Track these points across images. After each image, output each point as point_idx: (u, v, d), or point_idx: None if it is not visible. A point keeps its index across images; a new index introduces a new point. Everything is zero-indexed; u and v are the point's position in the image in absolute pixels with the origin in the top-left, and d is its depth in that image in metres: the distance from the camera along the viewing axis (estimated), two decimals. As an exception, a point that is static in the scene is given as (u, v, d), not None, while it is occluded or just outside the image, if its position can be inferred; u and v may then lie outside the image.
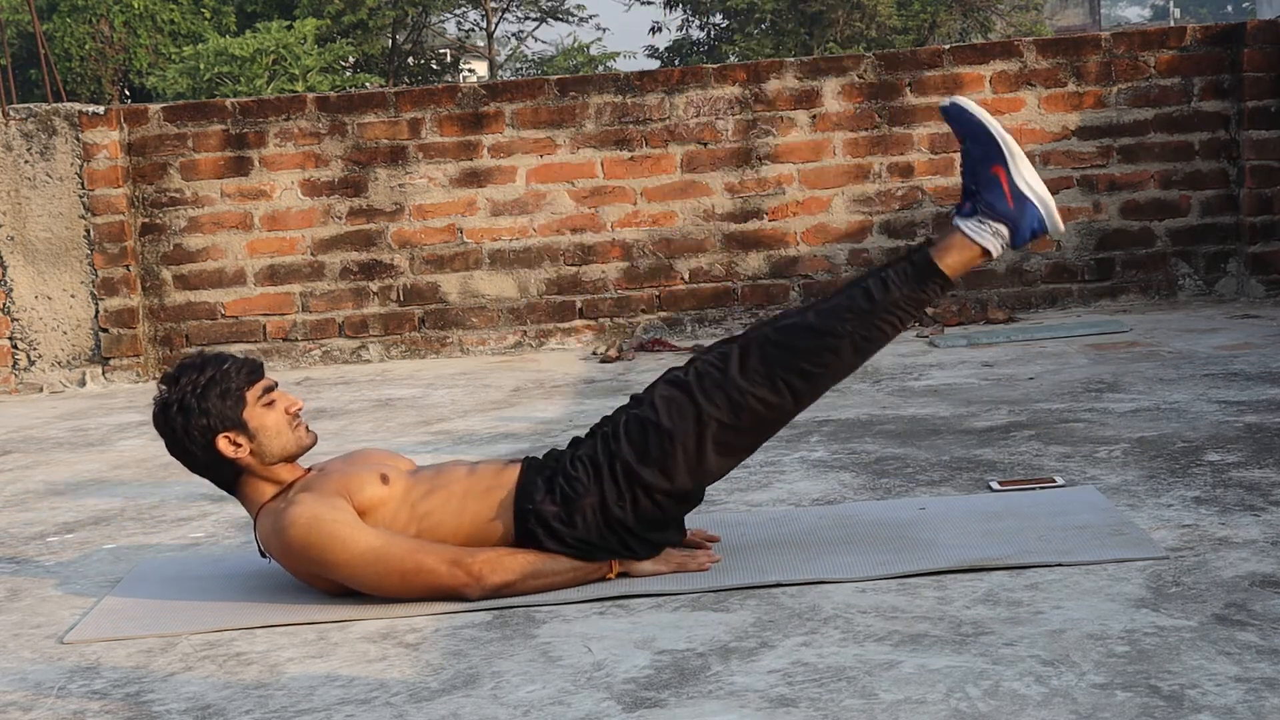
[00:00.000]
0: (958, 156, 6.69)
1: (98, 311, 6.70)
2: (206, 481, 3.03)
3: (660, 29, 31.95)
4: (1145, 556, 2.81)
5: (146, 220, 6.83)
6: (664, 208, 6.84)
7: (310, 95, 6.87)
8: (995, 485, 3.48)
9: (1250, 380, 4.62)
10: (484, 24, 31.81)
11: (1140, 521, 3.07)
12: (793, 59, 6.86)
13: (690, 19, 30.88)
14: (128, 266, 6.71)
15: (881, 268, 3.00)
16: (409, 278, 6.87)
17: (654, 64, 31.82)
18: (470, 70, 34.97)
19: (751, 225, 6.83)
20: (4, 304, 6.66)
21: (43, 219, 6.63)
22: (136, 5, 25.80)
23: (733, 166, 6.81)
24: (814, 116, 6.79)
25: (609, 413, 3.06)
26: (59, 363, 6.70)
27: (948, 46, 6.86)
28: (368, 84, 24.17)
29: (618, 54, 30.86)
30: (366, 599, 2.86)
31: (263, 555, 3.01)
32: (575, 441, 3.08)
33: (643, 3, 31.54)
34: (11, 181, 6.61)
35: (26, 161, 6.61)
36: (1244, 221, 6.67)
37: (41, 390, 6.68)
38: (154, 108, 6.84)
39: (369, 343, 6.90)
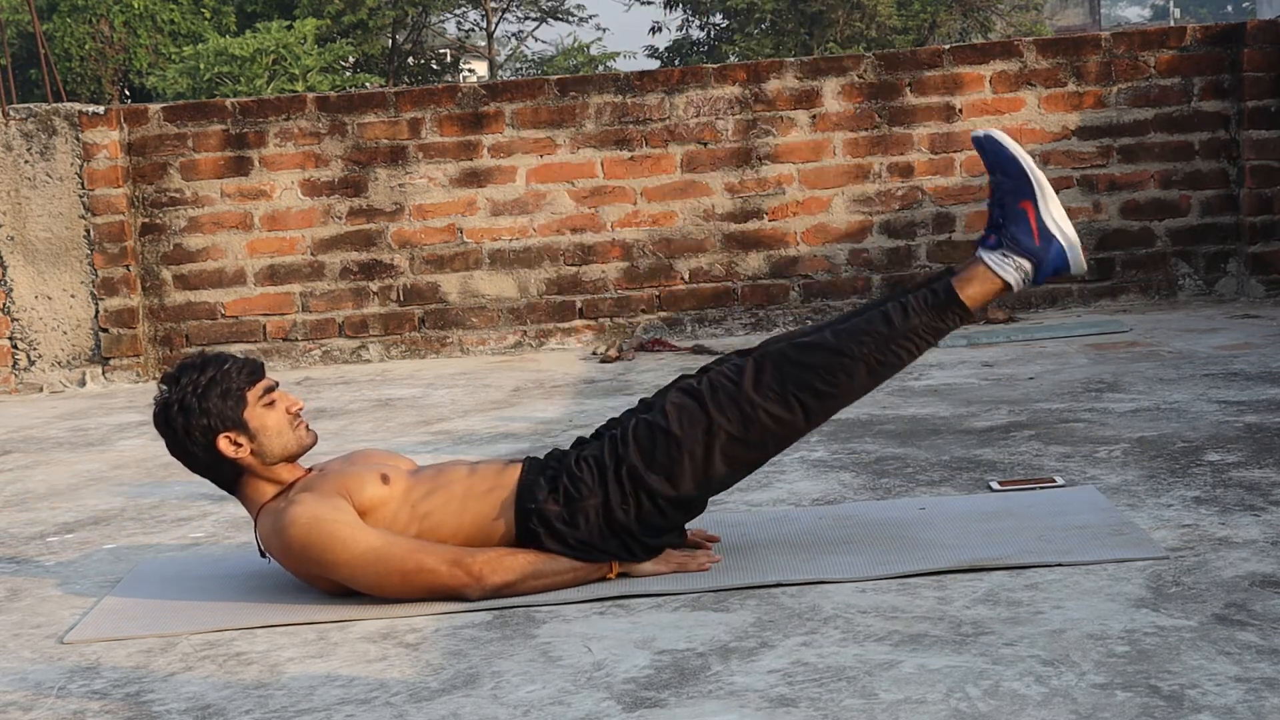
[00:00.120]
0: (958, 156, 6.75)
1: (98, 311, 6.70)
2: (207, 481, 3.03)
3: (660, 29, 31.96)
4: (1145, 556, 2.81)
5: (146, 220, 6.83)
6: (664, 208, 6.84)
7: (310, 95, 6.87)
8: (995, 485, 3.48)
9: (1250, 380, 4.63)
10: (484, 24, 31.82)
11: (1140, 521, 3.07)
12: (793, 59, 6.86)
13: (690, 19, 30.88)
14: (128, 266, 6.71)
15: (902, 292, 3.01)
16: (409, 278, 6.87)
17: (654, 64, 31.83)
18: (470, 70, 34.97)
19: (751, 225, 6.83)
20: (4, 304, 6.66)
21: (43, 219, 6.63)
22: (136, 5, 25.80)
23: (733, 166, 6.81)
24: (814, 116, 6.79)
25: (610, 413, 3.06)
26: (59, 363, 6.70)
27: (948, 46, 6.86)
28: (368, 84, 24.17)
29: (618, 54, 30.87)
30: (366, 599, 2.86)
31: (263, 555, 3.01)
32: (580, 442, 3.08)
33: (643, 3, 31.56)
34: (11, 181, 6.61)
35: (26, 161, 6.61)
36: (1244, 221, 6.67)
37: (41, 390, 6.68)
38: (154, 108, 6.84)
39: (369, 343, 6.90)
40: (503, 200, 6.84)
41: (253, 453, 2.94)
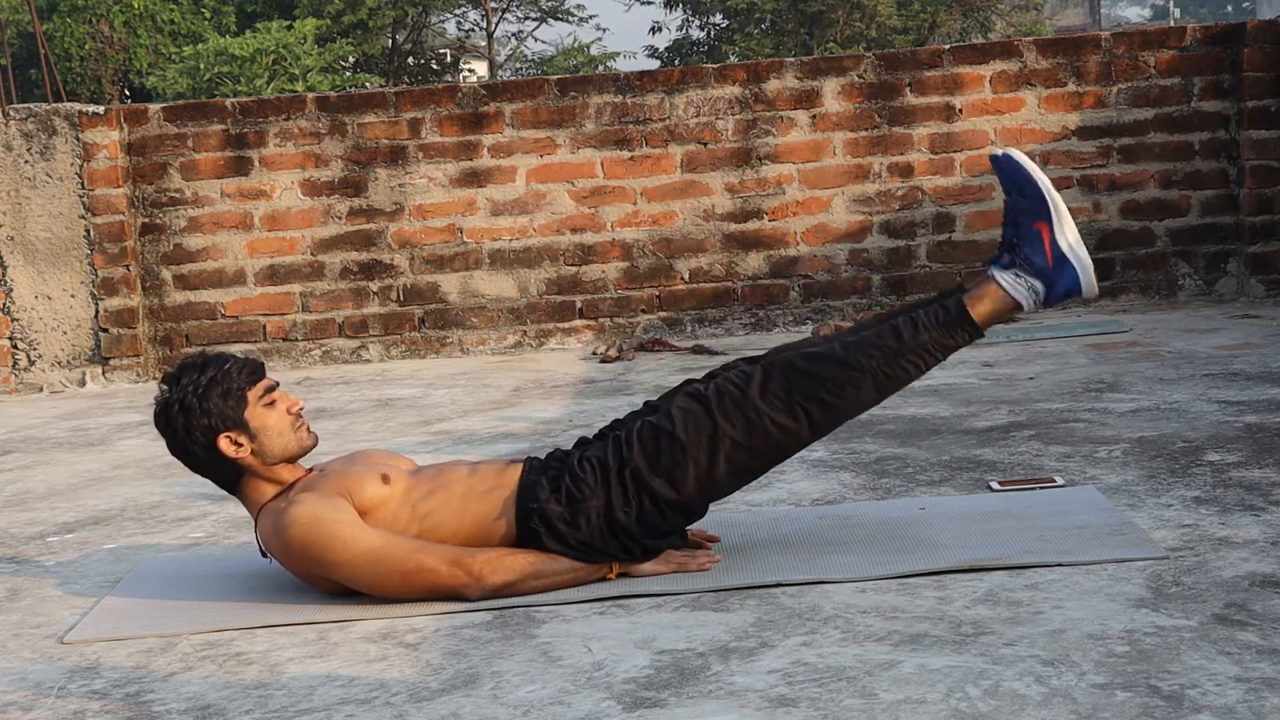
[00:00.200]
0: (958, 156, 6.75)
1: (98, 311, 6.70)
2: (207, 481, 3.03)
3: (660, 29, 31.96)
4: (1145, 556, 2.81)
5: (146, 220, 6.83)
6: (664, 208, 6.84)
7: (310, 95, 6.87)
8: (995, 485, 3.48)
9: (1250, 380, 4.63)
10: (484, 24, 31.82)
11: (1140, 521, 3.07)
12: (793, 59, 6.86)
13: (690, 19, 30.88)
14: (128, 266, 6.71)
15: (913, 307, 3.01)
16: (409, 278, 6.87)
17: (654, 64, 31.83)
18: (470, 70, 34.98)
19: (751, 225, 6.83)
20: (4, 304, 6.66)
21: (43, 219, 6.63)
22: (136, 5, 25.80)
23: (733, 166, 6.81)
24: (814, 116, 6.79)
25: (610, 413, 3.07)
26: (59, 363, 6.70)
27: (948, 46, 6.86)
28: (368, 84, 24.17)
29: (618, 54, 30.87)
30: (366, 599, 2.86)
31: (263, 555, 3.01)
32: (582, 442, 3.08)
33: (643, 3, 31.57)
34: (11, 181, 6.61)
35: (26, 161, 6.61)
36: (1244, 221, 6.67)
37: (41, 390, 6.68)
38: (154, 108, 6.84)
39: (369, 343, 6.90)
40: (503, 200, 6.84)
41: (253, 453, 2.94)
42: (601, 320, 6.88)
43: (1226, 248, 6.76)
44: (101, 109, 6.70)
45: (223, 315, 6.88)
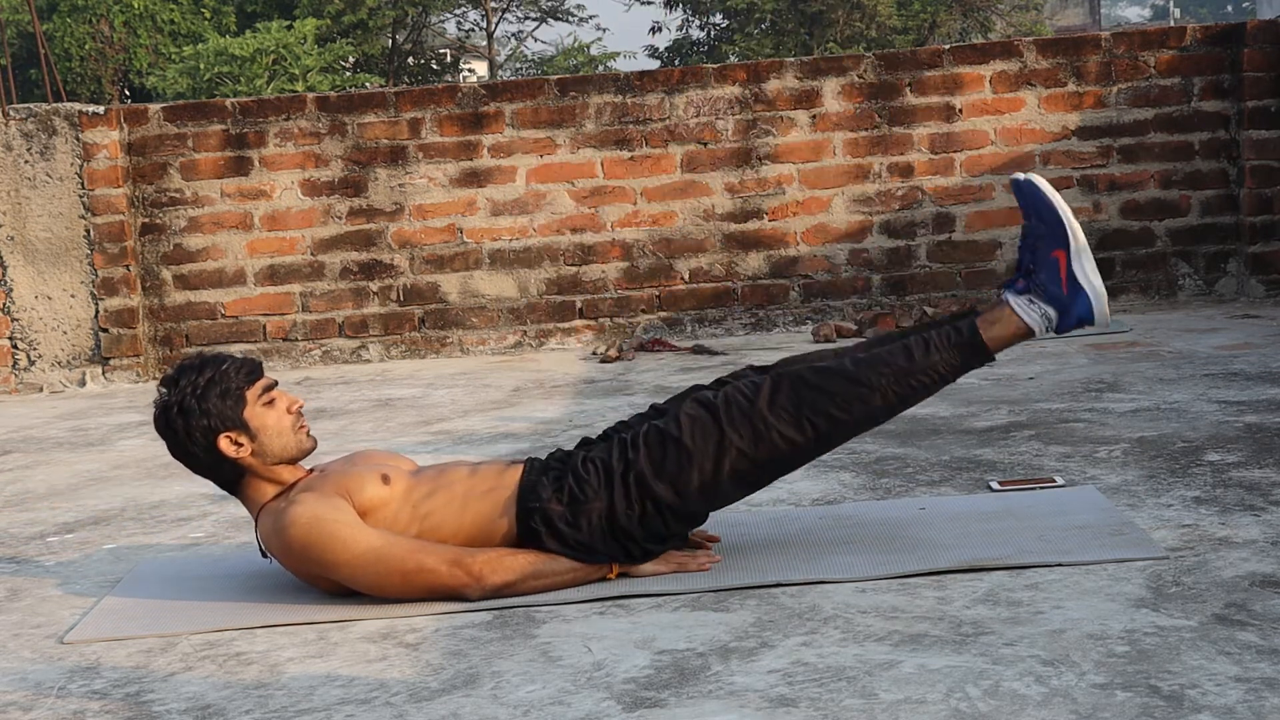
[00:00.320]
0: (958, 156, 6.75)
1: (98, 311, 6.70)
2: (207, 481, 3.03)
3: (660, 29, 31.97)
4: (1145, 556, 2.81)
5: (146, 220, 6.83)
6: (664, 208, 6.84)
7: (310, 95, 6.87)
8: (995, 485, 3.48)
9: (1250, 380, 4.63)
10: (484, 24, 31.83)
11: (1140, 521, 3.07)
12: (793, 59, 6.86)
13: (690, 19, 30.89)
14: (128, 266, 6.71)
15: (925, 327, 3.02)
16: (409, 278, 6.87)
17: (654, 64, 31.83)
18: (470, 70, 34.98)
19: (751, 225, 6.83)
20: (4, 304, 6.66)
21: (43, 219, 6.63)
22: (136, 5, 25.81)
23: (733, 166, 6.81)
24: (814, 116, 6.79)
25: (610, 413, 3.07)
26: (59, 363, 6.70)
27: (948, 46, 6.86)
28: (368, 84, 24.18)
29: (618, 54, 30.88)
30: (366, 599, 2.86)
31: (264, 555, 3.01)
32: (585, 442, 3.08)
33: (643, 3, 31.57)
34: (11, 181, 6.61)
35: (26, 161, 6.61)
36: (1244, 221, 6.67)
37: (41, 390, 6.68)
38: (154, 108, 6.84)
39: (369, 343, 6.90)
40: (503, 200, 6.84)
41: (253, 452, 2.94)
42: (601, 320, 6.88)
43: (1226, 248, 6.76)
44: (101, 109, 6.70)
45: (223, 315, 6.88)
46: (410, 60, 29.80)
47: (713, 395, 2.96)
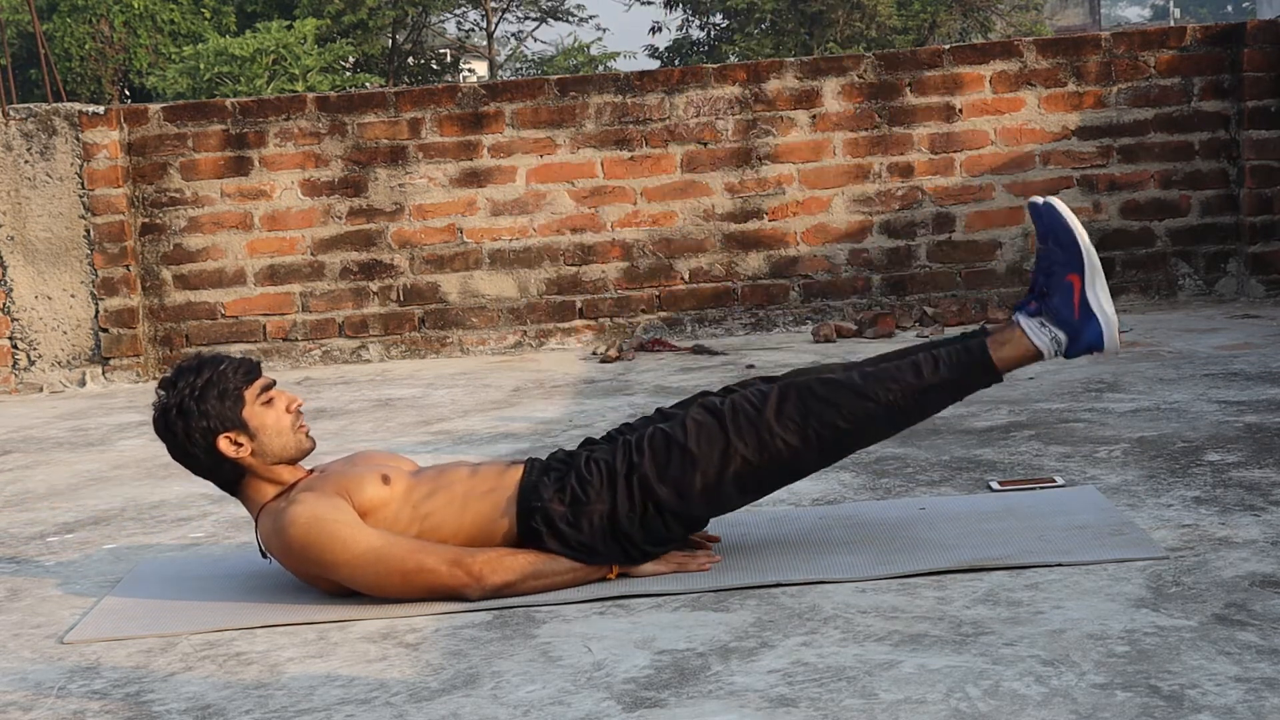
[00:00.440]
0: (958, 156, 6.75)
1: (98, 311, 6.70)
2: (207, 482, 3.03)
3: (660, 29, 31.97)
4: (1145, 556, 2.81)
5: (146, 220, 6.83)
6: (664, 208, 6.84)
7: (310, 95, 6.87)
8: (995, 485, 3.48)
9: (1250, 380, 4.63)
10: (484, 24, 31.83)
11: (1140, 521, 3.07)
12: (793, 59, 6.86)
13: (690, 19, 30.89)
14: (128, 266, 6.71)
15: (935, 344, 3.03)
16: (409, 278, 6.87)
17: (654, 64, 31.83)
18: (470, 70, 34.98)
19: (751, 225, 6.83)
20: (4, 304, 6.66)
21: (43, 219, 6.63)
22: (136, 5, 25.81)
23: (733, 166, 6.81)
24: (814, 116, 6.79)
25: (610, 413, 3.07)
26: (59, 363, 6.70)
27: (948, 46, 6.86)
28: (368, 84, 24.18)
29: (618, 54, 30.89)
30: (366, 599, 2.86)
31: (263, 555, 3.01)
32: (588, 442, 3.08)
33: (643, 3, 31.58)
34: (11, 181, 6.61)
35: (26, 161, 6.61)
36: (1244, 221, 6.68)
37: (41, 390, 6.68)
38: (154, 108, 6.84)
39: (369, 343, 6.90)
40: (503, 200, 6.84)
41: (253, 452, 2.94)
42: (601, 320, 6.88)
43: (1226, 248, 6.76)
44: (101, 109, 6.70)
45: (223, 315, 6.88)
46: (410, 60, 29.80)
47: (720, 402, 2.97)
